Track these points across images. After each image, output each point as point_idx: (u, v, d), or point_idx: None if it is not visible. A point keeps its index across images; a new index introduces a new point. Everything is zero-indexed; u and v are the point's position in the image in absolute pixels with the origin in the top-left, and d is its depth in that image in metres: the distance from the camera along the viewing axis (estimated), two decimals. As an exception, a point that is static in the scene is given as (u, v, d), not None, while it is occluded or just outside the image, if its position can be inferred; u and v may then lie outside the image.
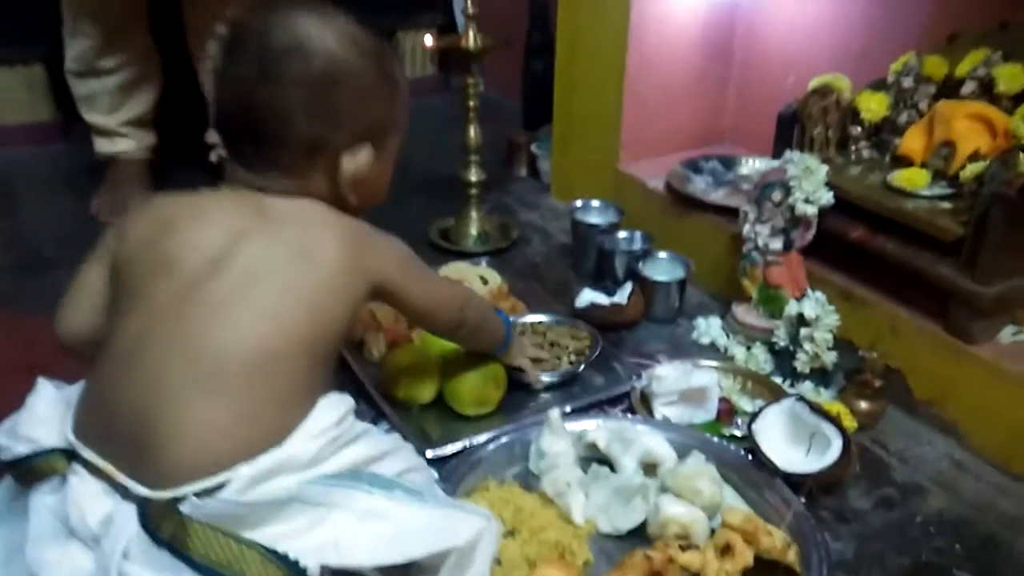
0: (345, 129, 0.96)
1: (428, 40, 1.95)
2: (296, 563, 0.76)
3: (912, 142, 1.46)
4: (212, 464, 0.80)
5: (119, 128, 2.13)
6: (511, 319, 1.49)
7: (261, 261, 0.88)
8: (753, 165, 1.87)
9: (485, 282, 1.68)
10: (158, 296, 0.87)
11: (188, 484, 0.79)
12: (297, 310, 0.88)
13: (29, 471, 0.85)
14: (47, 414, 0.89)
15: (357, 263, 0.94)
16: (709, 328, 1.59)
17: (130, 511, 0.79)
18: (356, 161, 0.97)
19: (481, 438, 1.25)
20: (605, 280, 1.72)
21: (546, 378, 1.39)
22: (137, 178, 2.13)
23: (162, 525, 0.77)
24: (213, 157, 2.26)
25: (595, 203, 1.88)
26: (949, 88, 1.49)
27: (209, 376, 0.83)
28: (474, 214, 1.96)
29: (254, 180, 0.95)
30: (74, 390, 0.93)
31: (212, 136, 2.35)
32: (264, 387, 0.85)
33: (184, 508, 0.77)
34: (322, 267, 0.91)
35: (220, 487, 0.80)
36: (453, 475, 1.15)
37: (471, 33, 1.75)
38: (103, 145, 2.15)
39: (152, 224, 0.93)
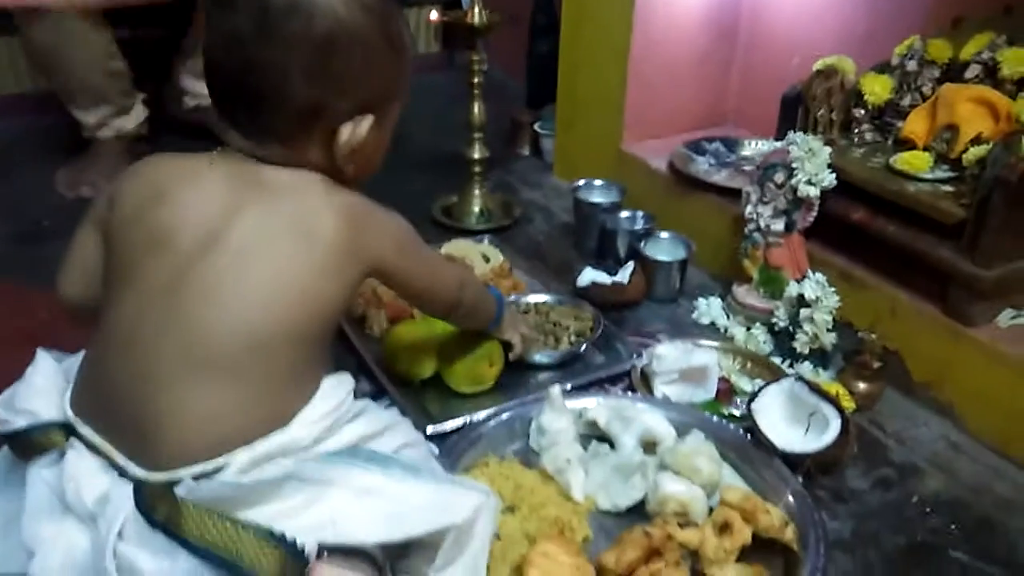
0: (347, 96, 0.89)
1: (433, 15, 1.93)
2: (293, 543, 0.75)
3: (915, 125, 1.46)
4: (208, 449, 0.80)
5: (102, 123, 2.11)
6: (513, 297, 1.51)
7: (255, 240, 0.85)
8: (756, 147, 1.87)
9: (487, 260, 1.69)
10: (151, 275, 0.84)
11: (184, 468, 0.79)
12: (292, 294, 0.85)
13: (27, 444, 0.84)
14: (46, 387, 0.88)
15: (355, 243, 0.90)
16: (710, 308, 1.59)
17: (126, 490, 0.79)
18: (356, 130, 0.91)
19: (481, 414, 1.25)
20: (607, 259, 1.72)
21: (547, 358, 1.40)
22: (115, 155, 2.09)
23: (157, 507, 0.76)
24: (189, 103, 2.28)
25: (598, 182, 1.88)
26: (953, 72, 1.49)
27: (203, 360, 0.81)
28: (477, 192, 1.96)
29: (249, 147, 0.89)
30: (74, 361, 0.92)
31: (187, 82, 2.31)
32: (260, 372, 0.83)
33: (179, 491, 0.77)
34: (319, 247, 0.86)
35: (217, 470, 0.80)
36: (453, 451, 1.16)
37: (477, 9, 1.74)
38: (86, 130, 2.13)
39: (144, 191, 0.89)
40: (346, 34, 0.87)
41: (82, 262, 0.95)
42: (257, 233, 0.85)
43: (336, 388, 0.91)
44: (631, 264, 1.62)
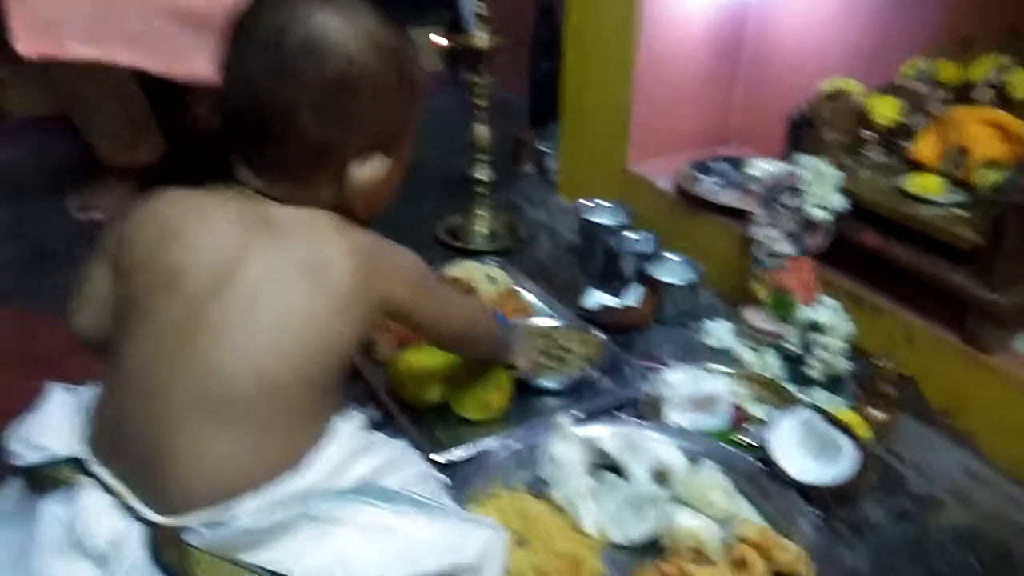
0: (358, 134, 0.89)
1: (438, 39, 1.92)
2: None
3: (925, 147, 1.45)
4: (219, 494, 0.79)
5: (117, 150, 2.08)
6: (520, 322, 1.49)
7: (266, 281, 0.84)
8: (762, 166, 1.85)
9: (493, 281, 1.67)
10: (163, 316, 0.83)
11: (195, 512, 0.78)
12: (303, 335, 0.84)
13: (40, 479, 0.83)
14: (58, 422, 0.87)
15: (367, 283, 0.89)
16: (719, 331, 1.57)
17: (137, 532, 0.78)
18: (366, 169, 0.90)
19: (490, 443, 1.23)
20: (614, 281, 1.71)
21: (554, 384, 1.38)
22: (129, 182, 2.06)
23: (168, 550, 0.76)
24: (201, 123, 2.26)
25: (604, 203, 1.87)
26: (962, 93, 1.47)
27: (215, 405, 0.80)
28: (482, 213, 1.95)
29: (260, 185, 0.89)
30: (85, 392, 0.91)
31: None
32: (272, 415, 0.82)
33: (189, 535, 0.76)
34: (330, 288, 0.85)
35: (227, 513, 0.79)
36: (462, 481, 1.14)
37: (481, 32, 1.73)
38: (101, 156, 2.09)
39: (157, 229, 0.88)
40: (358, 73, 0.86)
41: (92, 296, 0.94)
42: (268, 274, 0.84)
43: (348, 429, 0.90)
44: (639, 286, 1.60)
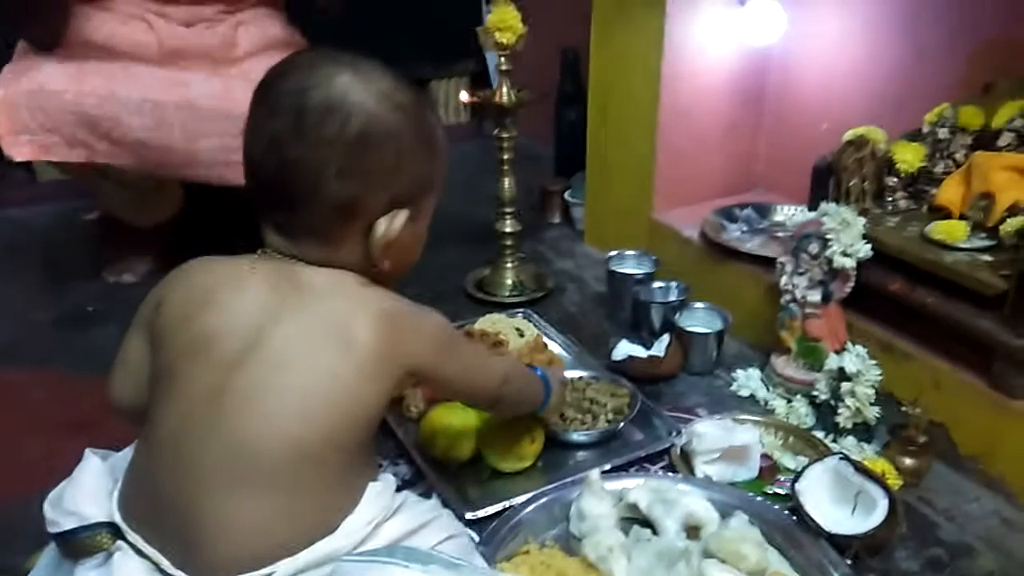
0: (381, 191, 0.91)
1: (464, 96, 1.96)
2: None
3: (949, 193, 1.45)
4: (254, 560, 0.80)
5: (140, 213, 2.11)
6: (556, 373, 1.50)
7: (294, 348, 0.86)
8: (787, 212, 1.87)
9: (521, 334, 1.69)
10: (195, 381, 0.85)
11: None
12: (331, 401, 0.86)
13: (75, 546, 0.85)
14: (93, 488, 0.89)
15: (393, 348, 0.90)
16: (748, 380, 1.58)
17: None
18: (391, 225, 0.92)
19: (520, 499, 1.24)
20: (642, 331, 1.72)
21: (584, 438, 1.39)
22: (155, 241, 2.11)
23: None
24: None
25: (630, 253, 1.89)
26: (985, 139, 1.48)
27: (246, 471, 0.82)
28: (509, 264, 1.97)
29: (287, 246, 0.91)
30: (121, 458, 0.94)
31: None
32: (303, 482, 0.84)
33: None
34: (357, 353, 0.87)
35: None
36: (493, 537, 1.14)
37: (505, 88, 1.77)
38: (125, 218, 2.13)
39: (189, 296, 0.91)
40: (379, 131, 0.89)
41: (131, 366, 0.97)
42: (295, 341, 0.86)
43: (381, 494, 0.91)
44: (666, 336, 1.61)
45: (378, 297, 0.92)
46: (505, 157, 1.85)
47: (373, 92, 0.89)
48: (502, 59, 1.75)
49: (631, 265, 1.86)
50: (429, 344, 0.96)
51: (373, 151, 0.89)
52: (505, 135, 1.83)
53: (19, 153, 1.75)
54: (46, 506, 0.88)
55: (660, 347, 1.59)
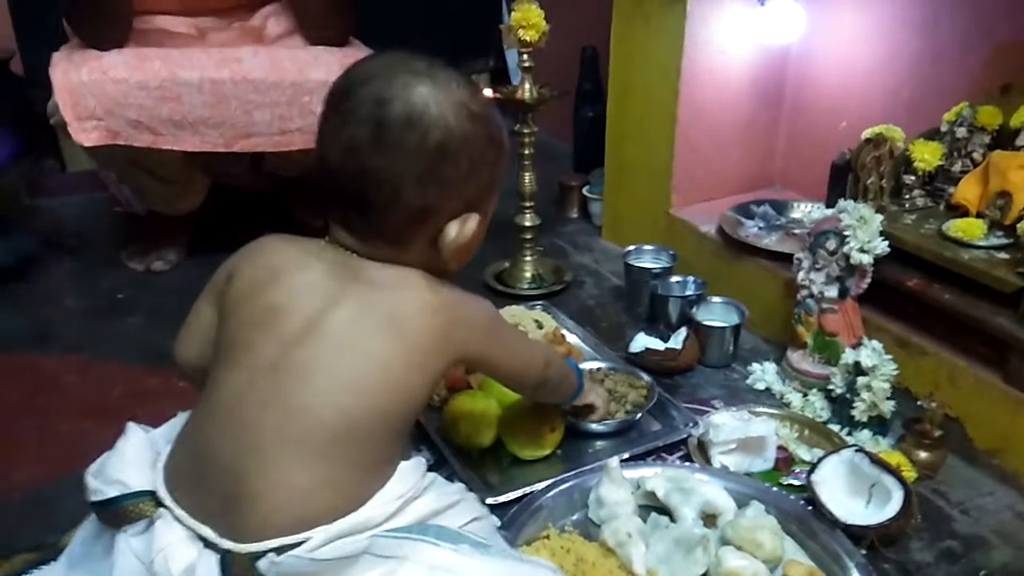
0: (455, 197, 0.94)
1: (487, 93, 1.98)
2: None
3: (967, 191, 1.47)
4: (293, 525, 0.83)
5: (164, 204, 2.12)
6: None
7: (351, 333, 0.89)
8: (804, 209, 1.88)
9: (540, 326, 1.71)
10: (259, 351, 0.89)
11: (269, 540, 0.82)
12: (381, 384, 0.89)
13: (117, 513, 0.88)
14: (136, 457, 0.92)
15: (446, 339, 0.94)
16: (764, 374, 1.59)
17: (212, 561, 0.82)
18: (464, 229, 0.96)
19: (540, 485, 1.26)
20: (659, 324, 1.74)
21: (604, 427, 1.41)
22: (179, 229, 2.14)
23: None
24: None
25: (648, 247, 1.90)
26: (1003, 138, 1.49)
27: (298, 439, 0.85)
28: (528, 258, 1.99)
29: (355, 244, 0.95)
30: (160, 434, 0.97)
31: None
32: (347, 454, 0.87)
33: (261, 564, 0.81)
34: (410, 344, 0.91)
35: (296, 545, 0.83)
36: (514, 523, 1.17)
37: (527, 85, 1.79)
38: (149, 208, 2.17)
39: (260, 271, 0.95)
40: (456, 142, 0.91)
41: (199, 329, 1.01)
42: (352, 326, 0.90)
43: (411, 472, 0.93)
44: (683, 330, 1.63)
45: (439, 293, 0.95)
46: (525, 152, 1.87)
47: (451, 103, 0.91)
48: (525, 56, 1.77)
49: (648, 260, 1.88)
50: (481, 332, 1.01)
51: (450, 161, 0.91)
52: (526, 131, 1.85)
53: (87, 139, 1.78)
54: (87, 476, 0.92)
55: (677, 340, 1.61)
